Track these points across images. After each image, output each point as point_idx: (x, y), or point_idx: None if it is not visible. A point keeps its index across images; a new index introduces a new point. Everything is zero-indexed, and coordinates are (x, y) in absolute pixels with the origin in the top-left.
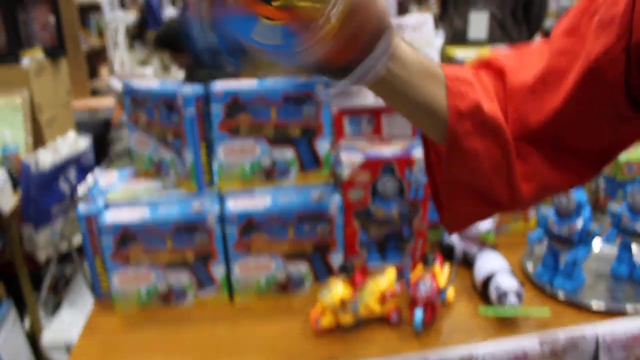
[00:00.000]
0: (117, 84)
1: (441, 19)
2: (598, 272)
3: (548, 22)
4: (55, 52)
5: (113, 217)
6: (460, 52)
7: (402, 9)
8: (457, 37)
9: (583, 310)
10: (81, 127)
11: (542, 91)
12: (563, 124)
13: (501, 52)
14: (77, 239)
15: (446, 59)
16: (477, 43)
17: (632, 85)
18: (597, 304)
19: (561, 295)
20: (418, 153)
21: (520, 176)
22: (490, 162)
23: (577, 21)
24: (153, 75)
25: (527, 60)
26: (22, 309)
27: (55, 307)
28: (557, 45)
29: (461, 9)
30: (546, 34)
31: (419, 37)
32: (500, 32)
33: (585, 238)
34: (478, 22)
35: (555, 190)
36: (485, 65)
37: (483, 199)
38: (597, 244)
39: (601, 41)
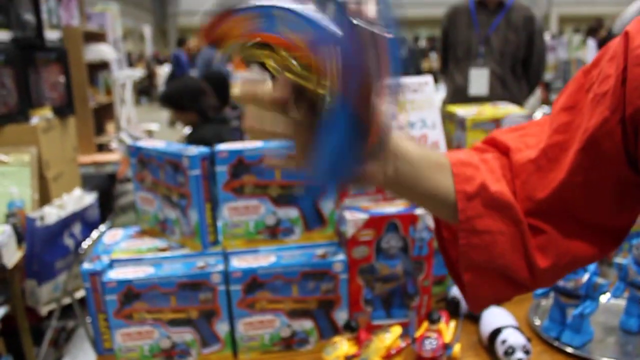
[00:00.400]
0: (127, 138)
1: (442, 74)
2: (606, 326)
3: (548, 75)
4: (63, 110)
5: (117, 274)
6: (461, 110)
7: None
8: (458, 93)
9: None
10: (87, 181)
11: (546, 166)
12: (569, 197)
13: (504, 131)
14: (79, 293)
15: (447, 115)
16: (478, 99)
17: (632, 154)
18: (606, 359)
19: (570, 350)
20: (421, 210)
21: (535, 248)
22: (506, 240)
23: (573, 97)
24: (159, 131)
25: (529, 139)
26: None
27: None
28: (556, 121)
29: (462, 65)
30: (546, 87)
31: (419, 98)
32: (500, 88)
33: (592, 292)
34: (478, 79)
35: (575, 261)
36: (491, 144)
37: (505, 280)
38: (604, 296)
39: (596, 115)
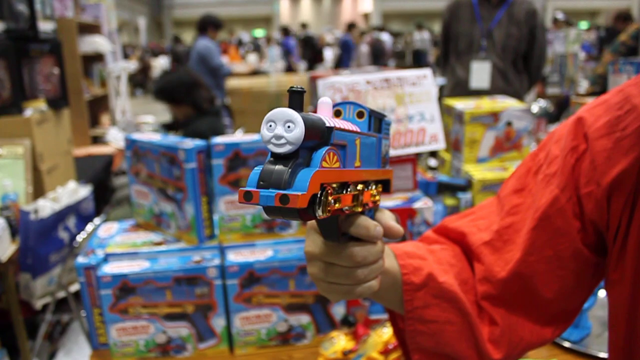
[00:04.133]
0: (116, 136)
1: (443, 67)
2: (604, 320)
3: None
4: (58, 102)
5: (112, 269)
6: (459, 104)
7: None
8: (459, 86)
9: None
10: (82, 174)
11: (502, 247)
12: (527, 274)
13: (454, 219)
14: (74, 286)
15: (445, 109)
16: (479, 92)
17: (588, 231)
18: (604, 354)
19: (567, 345)
20: (419, 204)
21: (487, 340)
22: (454, 329)
23: (522, 180)
24: (154, 123)
25: (480, 222)
26: (16, 358)
27: (50, 356)
28: (507, 204)
29: (463, 58)
30: (542, 81)
31: (418, 91)
32: (502, 82)
33: None
34: (480, 72)
35: (529, 347)
36: (442, 233)
37: None
38: (602, 291)
39: (547, 194)
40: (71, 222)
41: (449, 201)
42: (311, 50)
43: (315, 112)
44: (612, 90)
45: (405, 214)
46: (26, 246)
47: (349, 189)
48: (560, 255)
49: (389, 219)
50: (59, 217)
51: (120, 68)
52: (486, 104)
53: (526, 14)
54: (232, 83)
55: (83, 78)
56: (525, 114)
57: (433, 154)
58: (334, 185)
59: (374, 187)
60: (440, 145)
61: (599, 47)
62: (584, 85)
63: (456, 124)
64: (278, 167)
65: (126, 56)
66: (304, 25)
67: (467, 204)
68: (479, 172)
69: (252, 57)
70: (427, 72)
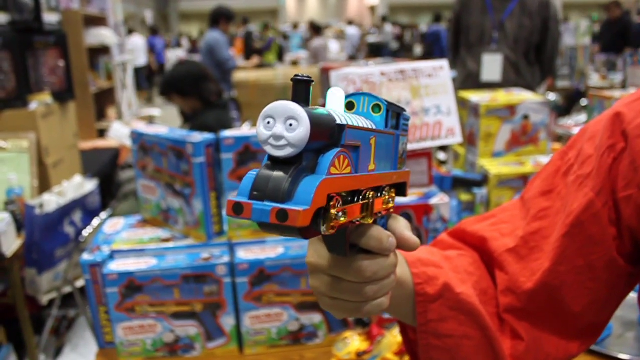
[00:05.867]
0: (119, 131)
1: (453, 59)
2: (625, 321)
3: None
4: (63, 95)
5: (118, 266)
6: (474, 96)
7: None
8: (470, 79)
9: None
10: (87, 168)
11: (528, 255)
12: (555, 285)
13: (471, 221)
14: (80, 282)
15: (460, 102)
16: (490, 85)
17: (624, 239)
18: (625, 356)
19: None
20: (435, 200)
21: (509, 355)
22: (472, 344)
23: (550, 182)
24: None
25: (502, 226)
26: (22, 353)
27: (57, 351)
28: (534, 207)
29: (474, 51)
30: (554, 76)
31: (434, 83)
32: (514, 74)
33: None
34: (492, 65)
35: None
36: (459, 237)
37: None
38: None
39: (580, 197)
40: (77, 216)
41: (464, 197)
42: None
43: (323, 105)
44: None
45: (421, 210)
46: (31, 241)
47: (359, 198)
48: (593, 265)
49: (404, 229)
50: (65, 211)
51: (127, 61)
52: (502, 97)
53: (539, 4)
54: (238, 76)
55: (89, 71)
56: (542, 107)
57: (443, 147)
58: (343, 195)
59: (387, 192)
60: (457, 139)
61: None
62: (594, 78)
63: (471, 117)
64: (276, 173)
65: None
66: (298, 25)
67: (483, 199)
68: (494, 167)
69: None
70: (443, 63)
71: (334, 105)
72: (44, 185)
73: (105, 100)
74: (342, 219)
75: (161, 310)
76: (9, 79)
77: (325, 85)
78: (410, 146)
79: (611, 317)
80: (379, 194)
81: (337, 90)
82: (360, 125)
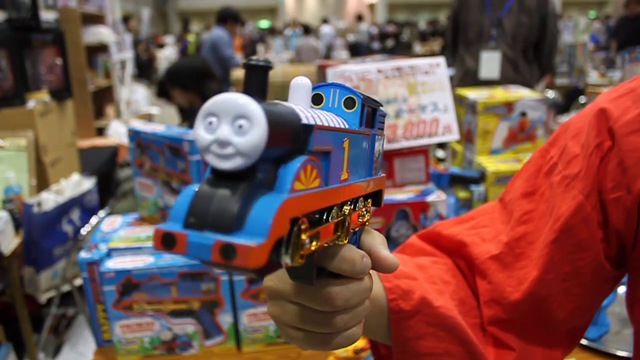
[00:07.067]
0: (118, 129)
1: (451, 56)
2: (623, 317)
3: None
4: (61, 93)
5: (116, 264)
6: (472, 93)
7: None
8: (468, 76)
9: (609, 358)
10: (86, 166)
11: (513, 263)
12: (543, 294)
13: (448, 224)
14: (79, 280)
15: (457, 99)
16: (489, 83)
17: (611, 242)
18: (623, 352)
19: (585, 343)
20: (432, 198)
21: None
22: None
23: (532, 182)
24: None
25: (483, 230)
26: (21, 352)
27: (56, 350)
28: (517, 210)
29: (472, 48)
30: (553, 73)
31: (431, 80)
32: (512, 72)
33: None
34: (490, 62)
35: None
36: (432, 241)
37: None
38: (622, 287)
39: (568, 200)
40: (75, 215)
41: (462, 194)
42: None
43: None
44: (637, 79)
45: (418, 207)
46: (30, 239)
47: (331, 216)
48: (580, 271)
49: (380, 247)
50: (63, 210)
51: (125, 59)
52: (500, 94)
53: (537, 2)
54: (237, 74)
55: (87, 69)
56: (540, 104)
57: (441, 145)
58: (311, 215)
59: (362, 204)
60: (454, 136)
61: (607, 36)
62: (593, 75)
63: (469, 115)
64: (221, 192)
65: (131, 46)
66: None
67: (480, 196)
68: (492, 164)
69: (258, 48)
70: (440, 60)
71: (299, 99)
72: (42, 183)
73: (103, 98)
74: (312, 245)
75: (159, 308)
76: (7, 77)
77: (323, 81)
78: (407, 143)
79: (591, 321)
80: (354, 207)
81: (301, 80)
82: (332, 124)
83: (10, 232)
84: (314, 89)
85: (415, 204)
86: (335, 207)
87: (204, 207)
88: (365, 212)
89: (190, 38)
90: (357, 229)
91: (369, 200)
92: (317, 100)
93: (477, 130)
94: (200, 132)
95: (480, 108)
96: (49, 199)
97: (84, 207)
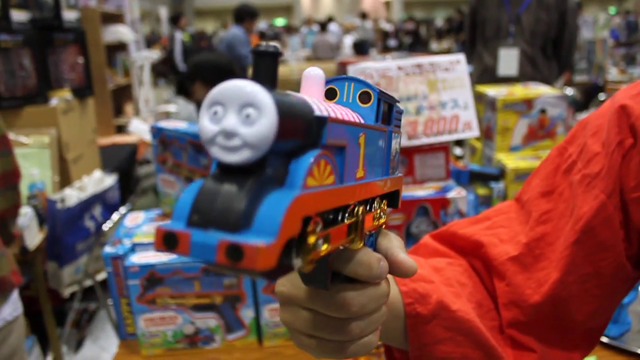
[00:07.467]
0: (138, 126)
1: (469, 53)
2: None
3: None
4: (82, 92)
5: (140, 259)
6: (491, 90)
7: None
8: (487, 73)
9: (631, 357)
10: (106, 163)
11: (532, 264)
12: (563, 296)
13: (464, 224)
14: (101, 275)
15: (476, 96)
16: (507, 79)
17: (632, 242)
18: None
19: (606, 341)
20: (453, 194)
21: None
22: None
23: (551, 181)
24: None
25: (500, 231)
26: (45, 345)
27: (78, 343)
28: (536, 210)
29: (490, 45)
30: (572, 70)
31: (451, 77)
32: (530, 69)
33: None
34: (508, 59)
35: None
36: (448, 241)
37: None
38: None
39: (590, 200)
40: (97, 211)
41: (481, 191)
42: None
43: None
44: None
45: (438, 204)
46: (53, 235)
47: (345, 216)
48: (601, 272)
49: (398, 250)
50: (85, 206)
51: (143, 57)
52: (519, 91)
53: None
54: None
55: (107, 67)
56: (560, 101)
57: (459, 142)
58: (325, 215)
59: (377, 205)
60: (474, 133)
61: (627, 32)
62: (612, 72)
63: (488, 112)
64: (227, 187)
65: (148, 45)
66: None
67: (500, 193)
68: (512, 161)
69: None
70: (460, 57)
71: (311, 91)
72: (64, 180)
73: (122, 96)
74: (323, 248)
75: (182, 302)
76: (30, 75)
77: None
78: (427, 140)
79: (610, 320)
80: (370, 208)
81: (314, 71)
82: (347, 118)
83: (34, 227)
84: (328, 82)
85: (435, 201)
86: (350, 207)
87: (208, 203)
88: (381, 214)
89: (184, 38)
90: (373, 232)
91: (385, 201)
92: (331, 94)
93: (497, 127)
94: (205, 123)
95: (499, 105)
96: (72, 195)
97: (106, 203)
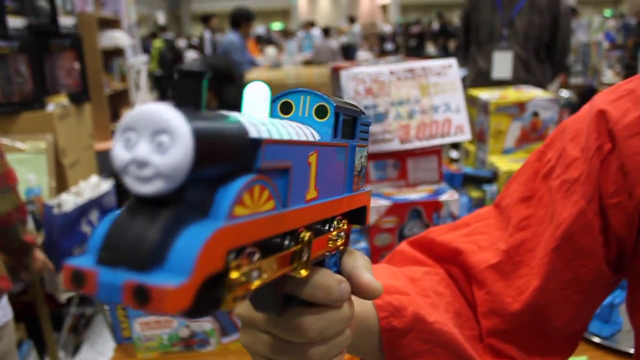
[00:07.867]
0: None
1: (461, 58)
2: None
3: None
4: (79, 97)
5: None
6: (484, 94)
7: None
8: (481, 76)
9: (622, 357)
10: (103, 168)
11: (512, 271)
12: (543, 303)
13: (442, 231)
14: None
15: (469, 99)
16: (501, 83)
17: (611, 247)
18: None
19: (598, 341)
20: (445, 197)
21: None
22: None
23: (530, 187)
24: None
25: (479, 237)
26: (42, 350)
27: (75, 348)
28: (515, 216)
29: (484, 48)
30: (567, 73)
31: (443, 80)
32: (524, 72)
33: (622, 281)
34: (502, 62)
35: None
36: (424, 249)
37: None
38: None
39: (569, 206)
40: (94, 216)
41: (474, 193)
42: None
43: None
44: (635, 79)
45: (431, 207)
46: (50, 240)
47: (285, 244)
48: (580, 278)
49: (362, 270)
50: (82, 211)
51: (140, 62)
52: (511, 94)
53: (549, 1)
54: (251, 76)
55: (103, 73)
56: (552, 104)
57: (455, 145)
58: (268, 243)
59: (334, 226)
60: (466, 136)
61: (624, 35)
62: (608, 74)
63: (481, 115)
64: (140, 221)
65: (146, 50)
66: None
67: (493, 196)
68: (505, 164)
69: (271, 51)
70: (452, 61)
71: (254, 108)
72: (61, 185)
73: (119, 101)
74: (255, 281)
75: None
76: (26, 81)
77: (336, 85)
78: (420, 144)
79: (589, 324)
80: (326, 229)
81: (257, 87)
82: (291, 137)
83: (31, 232)
84: (283, 95)
85: (428, 204)
86: (289, 235)
87: (119, 239)
88: (340, 235)
89: (156, 44)
90: (335, 252)
91: (345, 220)
92: (286, 108)
93: (490, 131)
94: (117, 150)
95: (492, 108)
96: (69, 201)
97: (103, 208)
